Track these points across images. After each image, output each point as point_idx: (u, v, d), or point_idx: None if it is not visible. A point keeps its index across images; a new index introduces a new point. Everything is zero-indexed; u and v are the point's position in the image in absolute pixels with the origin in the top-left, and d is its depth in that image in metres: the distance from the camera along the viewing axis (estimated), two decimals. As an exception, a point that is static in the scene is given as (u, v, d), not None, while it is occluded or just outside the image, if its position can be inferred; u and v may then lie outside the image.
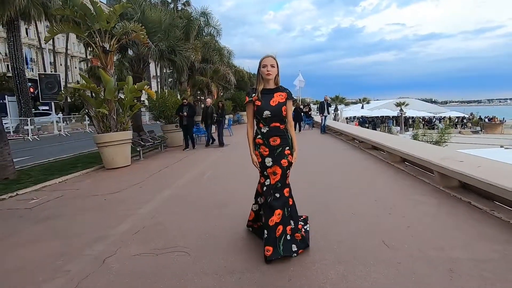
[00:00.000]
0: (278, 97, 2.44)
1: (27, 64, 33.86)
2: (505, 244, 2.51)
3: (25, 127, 16.04)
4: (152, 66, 29.14)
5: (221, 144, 9.81)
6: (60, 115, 19.78)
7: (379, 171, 5.57)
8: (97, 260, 2.56)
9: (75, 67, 48.05)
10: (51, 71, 29.83)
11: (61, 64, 40.81)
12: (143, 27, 7.60)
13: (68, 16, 7.05)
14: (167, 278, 2.23)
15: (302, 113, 15.30)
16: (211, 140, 10.18)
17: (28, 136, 15.67)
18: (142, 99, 17.01)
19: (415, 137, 16.53)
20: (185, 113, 9.09)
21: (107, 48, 7.11)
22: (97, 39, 6.90)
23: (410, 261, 2.31)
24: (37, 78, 22.29)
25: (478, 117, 35.26)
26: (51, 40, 34.64)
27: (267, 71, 2.40)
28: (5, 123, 15.96)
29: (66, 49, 36.81)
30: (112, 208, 4.04)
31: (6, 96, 19.62)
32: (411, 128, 29.76)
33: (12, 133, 16.08)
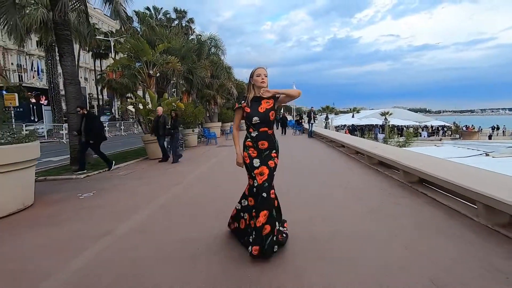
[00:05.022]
0: (265, 104, 2.66)
1: (38, 74, 36.58)
2: (379, 183, 5.36)
3: (60, 132, 18.78)
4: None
5: (174, 159, 8.60)
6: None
7: (338, 157, 8.46)
8: (183, 185, 5.37)
9: (80, 77, 51.19)
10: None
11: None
12: (175, 57, 10.55)
13: (125, 50, 9.99)
14: (216, 197, 5.00)
15: (295, 121, 18.62)
16: (168, 155, 8.94)
17: (62, 139, 18.48)
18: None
19: (385, 141, 19.63)
20: (81, 131, 7.09)
21: (151, 73, 10.00)
22: (145, 68, 9.81)
23: (330, 185, 5.18)
24: (48, 88, 24.88)
25: (457, 125, 38.75)
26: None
27: (262, 79, 2.62)
28: (40, 128, 18.69)
29: (78, 60, 39.63)
30: (174, 174, 6.85)
31: (42, 105, 22.42)
32: (396, 136, 32.75)
33: (46, 137, 18.78)
